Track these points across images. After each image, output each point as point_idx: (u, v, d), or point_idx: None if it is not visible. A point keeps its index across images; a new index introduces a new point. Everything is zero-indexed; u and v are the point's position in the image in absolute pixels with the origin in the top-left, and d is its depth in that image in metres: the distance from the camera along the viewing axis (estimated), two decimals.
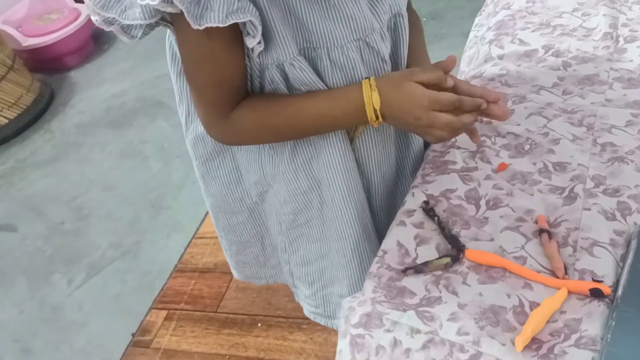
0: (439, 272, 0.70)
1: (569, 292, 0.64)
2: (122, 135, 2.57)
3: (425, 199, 0.80)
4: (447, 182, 0.82)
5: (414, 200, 0.81)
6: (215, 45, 0.70)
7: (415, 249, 0.74)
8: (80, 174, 2.41)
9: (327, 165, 0.84)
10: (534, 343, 0.60)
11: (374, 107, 0.73)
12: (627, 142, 0.81)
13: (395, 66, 0.85)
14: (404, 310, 0.66)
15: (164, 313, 1.73)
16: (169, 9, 0.64)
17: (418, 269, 0.70)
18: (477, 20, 1.29)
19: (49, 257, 2.04)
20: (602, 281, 0.64)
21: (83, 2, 3.09)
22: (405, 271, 0.71)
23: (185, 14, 0.63)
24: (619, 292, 0.62)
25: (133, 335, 1.69)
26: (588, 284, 0.64)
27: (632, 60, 0.96)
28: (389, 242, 0.76)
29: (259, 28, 0.68)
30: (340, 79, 0.77)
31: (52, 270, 1.99)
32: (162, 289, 1.81)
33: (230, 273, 1.15)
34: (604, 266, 0.66)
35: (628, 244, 0.68)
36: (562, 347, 0.60)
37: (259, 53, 0.72)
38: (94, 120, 2.73)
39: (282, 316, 1.62)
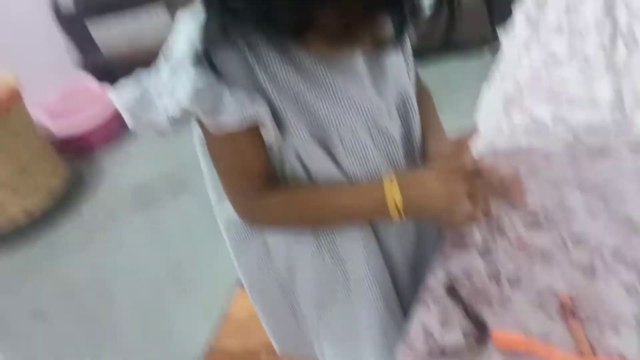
0: (465, 357, 0.70)
1: None
2: (150, 217, 2.61)
3: (446, 278, 0.81)
4: (467, 260, 0.83)
5: (435, 279, 0.82)
6: (237, 137, 0.75)
7: (440, 332, 0.74)
8: (108, 258, 2.44)
9: (349, 243, 0.87)
10: None
11: (396, 205, 0.77)
12: None
13: (408, 147, 0.88)
14: None
15: None
16: (190, 117, 0.70)
17: (444, 353, 0.70)
18: (484, 90, 1.32)
19: (77, 344, 2.05)
20: None
21: (106, 83, 3.12)
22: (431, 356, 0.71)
23: (205, 124, 0.69)
24: None
25: None
26: None
27: None
28: (413, 326, 0.76)
29: (271, 125, 0.73)
30: (353, 163, 0.81)
31: (81, 358, 1.99)
32: None
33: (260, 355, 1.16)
34: (629, 344, 0.66)
35: None
36: None
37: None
38: (121, 203, 2.78)
39: None
